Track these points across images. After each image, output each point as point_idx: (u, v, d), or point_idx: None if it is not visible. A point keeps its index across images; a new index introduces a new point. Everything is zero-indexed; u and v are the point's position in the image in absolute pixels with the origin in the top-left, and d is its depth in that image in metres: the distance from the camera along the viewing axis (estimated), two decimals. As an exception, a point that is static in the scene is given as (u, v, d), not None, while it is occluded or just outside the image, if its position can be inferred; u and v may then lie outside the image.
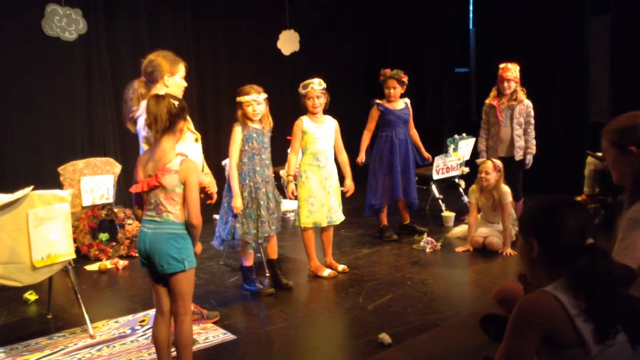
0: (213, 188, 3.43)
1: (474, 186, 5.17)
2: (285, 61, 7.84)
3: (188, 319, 2.74)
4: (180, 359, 2.77)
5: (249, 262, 4.18)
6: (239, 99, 3.95)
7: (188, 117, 3.43)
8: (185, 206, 2.66)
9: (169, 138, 2.65)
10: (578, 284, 1.69)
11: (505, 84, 5.36)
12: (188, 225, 2.68)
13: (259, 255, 4.28)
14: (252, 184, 4.03)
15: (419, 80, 8.15)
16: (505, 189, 4.99)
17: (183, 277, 2.68)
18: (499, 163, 5.06)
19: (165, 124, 2.61)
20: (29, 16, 5.67)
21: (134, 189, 2.71)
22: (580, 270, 1.71)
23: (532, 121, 5.43)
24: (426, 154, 5.65)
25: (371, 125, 5.43)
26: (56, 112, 5.95)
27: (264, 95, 3.96)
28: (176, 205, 2.65)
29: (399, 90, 5.31)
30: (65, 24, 5.84)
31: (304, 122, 4.39)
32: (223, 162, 4.89)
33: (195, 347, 3.32)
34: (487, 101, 5.57)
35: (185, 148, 3.25)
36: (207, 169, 3.52)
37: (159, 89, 3.25)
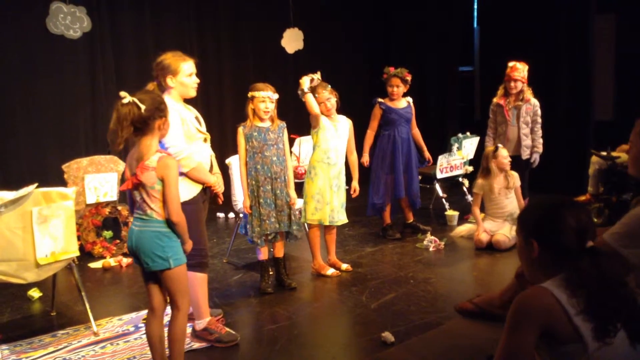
0: (219, 188, 3.43)
1: (478, 178, 5.22)
2: (289, 59, 7.84)
3: (181, 315, 2.76)
4: (170, 353, 2.80)
5: (262, 256, 4.22)
6: (252, 93, 3.98)
7: (199, 117, 3.43)
8: (165, 203, 2.65)
9: (148, 137, 2.63)
10: (578, 284, 1.69)
11: (512, 84, 5.35)
12: (169, 223, 2.67)
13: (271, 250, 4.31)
14: (253, 182, 4.06)
15: (422, 79, 8.14)
16: (513, 172, 5.18)
17: (171, 275, 2.68)
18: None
19: (128, 130, 2.55)
20: (34, 14, 5.68)
21: (122, 187, 2.75)
22: (582, 272, 1.71)
23: (539, 120, 5.43)
24: (427, 155, 5.63)
25: (374, 124, 5.42)
26: (60, 110, 5.96)
27: (276, 96, 4.01)
28: (158, 203, 2.64)
29: (402, 89, 5.30)
30: (70, 22, 5.85)
31: (322, 118, 4.41)
32: (227, 161, 4.89)
33: (197, 345, 3.35)
34: (494, 100, 5.56)
35: (194, 148, 3.27)
36: (216, 169, 3.52)
37: (170, 90, 3.27)
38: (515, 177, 5.14)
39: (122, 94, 2.59)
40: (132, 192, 2.71)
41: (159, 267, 2.67)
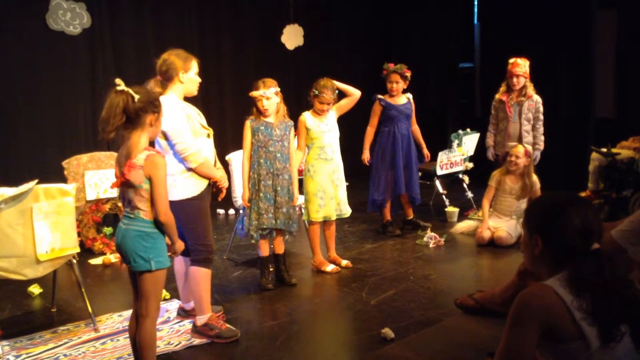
0: (224, 183, 3.44)
1: (496, 171, 5.19)
2: (289, 55, 7.83)
3: (149, 321, 2.68)
4: None
5: (263, 252, 4.23)
6: (250, 93, 4.02)
7: (199, 113, 3.43)
8: (152, 203, 2.60)
9: (138, 132, 2.57)
10: (583, 286, 1.68)
11: (515, 80, 5.34)
12: (157, 223, 2.62)
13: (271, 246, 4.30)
14: (255, 175, 4.06)
15: (423, 75, 8.13)
16: (536, 178, 5.04)
17: (148, 277, 2.63)
18: (530, 148, 5.10)
19: (120, 119, 2.49)
20: (34, 10, 5.67)
21: (112, 185, 2.70)
22: (584, 275, 1.70)
23: (541, 117, 5.41)
24: (426, 152, 5.62)
25: (374, 120, 5.42)
26: (60, 106, 5.96)
27: (273, 90, 3.98)
28: (145, 202, 2.59)
29: (402, 85, 5.29)
30: (70, 18, 5.84)
31: (307, 118, 4.40)
32: (227, 157, 4.89)
33: (197, 341, 3.36)
34: (496, 96, 5.55)
35: (198, 143, 3.27)
36: (219, 164, 3.53)
37: (176, 87, 3.26)
38: (536, 183, 5.02)
39: (118, 81, 2.52)
40: (122, 190, 2.67)
41: (140, 268, 2.62)
